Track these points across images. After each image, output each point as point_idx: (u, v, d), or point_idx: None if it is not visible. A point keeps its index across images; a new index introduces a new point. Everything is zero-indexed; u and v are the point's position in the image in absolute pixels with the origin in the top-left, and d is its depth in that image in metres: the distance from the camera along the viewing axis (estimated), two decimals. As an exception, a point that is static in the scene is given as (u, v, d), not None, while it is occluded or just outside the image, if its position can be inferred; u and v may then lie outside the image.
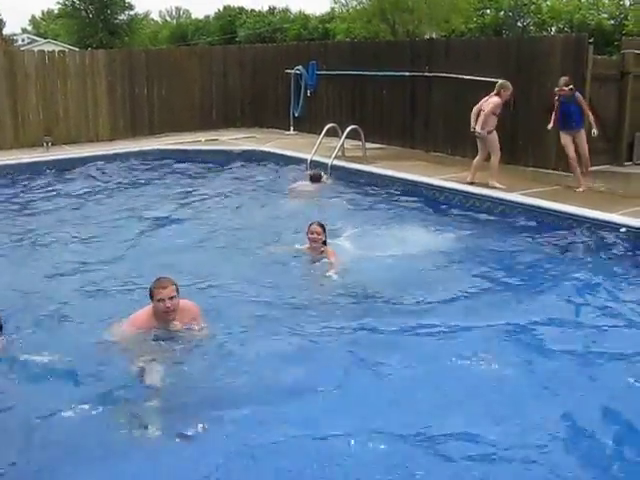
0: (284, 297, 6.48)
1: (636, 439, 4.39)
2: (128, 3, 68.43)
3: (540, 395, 4.83)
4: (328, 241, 7.50)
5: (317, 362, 5.33)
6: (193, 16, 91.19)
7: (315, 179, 11.24)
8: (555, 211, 8.96)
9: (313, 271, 7.22)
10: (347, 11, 54.97)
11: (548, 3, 58.36)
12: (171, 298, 5.32)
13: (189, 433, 4.33)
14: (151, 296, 5.39)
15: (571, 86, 10.12)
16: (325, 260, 7.28)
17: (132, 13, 69.67)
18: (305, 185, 11.19)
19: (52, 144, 14.51)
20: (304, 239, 7.56)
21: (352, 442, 4.19)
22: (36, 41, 62.31)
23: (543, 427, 4.36)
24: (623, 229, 8.15)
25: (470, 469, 3.99)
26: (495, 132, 10.53)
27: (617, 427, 4.54)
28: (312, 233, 7.30)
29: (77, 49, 39.17)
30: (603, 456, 4.19)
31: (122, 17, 69.01)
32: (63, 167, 12.84)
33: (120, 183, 12.05)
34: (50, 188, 11.57)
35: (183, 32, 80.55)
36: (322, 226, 7.39)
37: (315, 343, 5.58)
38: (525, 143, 12.00)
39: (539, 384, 4.96)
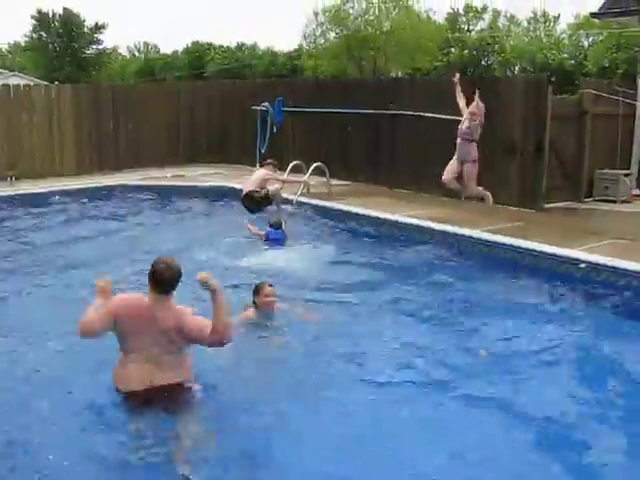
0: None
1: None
2: (96, 38, 68.49)
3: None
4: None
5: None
6: (162, 51, 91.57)
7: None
8: (515, 247, 9.08)
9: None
10: (314, 48, 55.50)
11: (511, 42, 59.68)
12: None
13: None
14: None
15: None
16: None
17: (100, 47, 69.71)
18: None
19: (16, 179, 14.38)
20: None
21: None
22: (1, 74, 61.91)
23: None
24: (583, 265, 8.28)
25: None
26: None
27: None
28: (268, 296, 6.51)
29: (44, 82, 39.04)
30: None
31: (90, 51, 68.97)
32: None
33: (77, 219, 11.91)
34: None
35: (151, 67, 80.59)
36: (271, 285, 6.70)
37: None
38: (487, 180, 12.17)
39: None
